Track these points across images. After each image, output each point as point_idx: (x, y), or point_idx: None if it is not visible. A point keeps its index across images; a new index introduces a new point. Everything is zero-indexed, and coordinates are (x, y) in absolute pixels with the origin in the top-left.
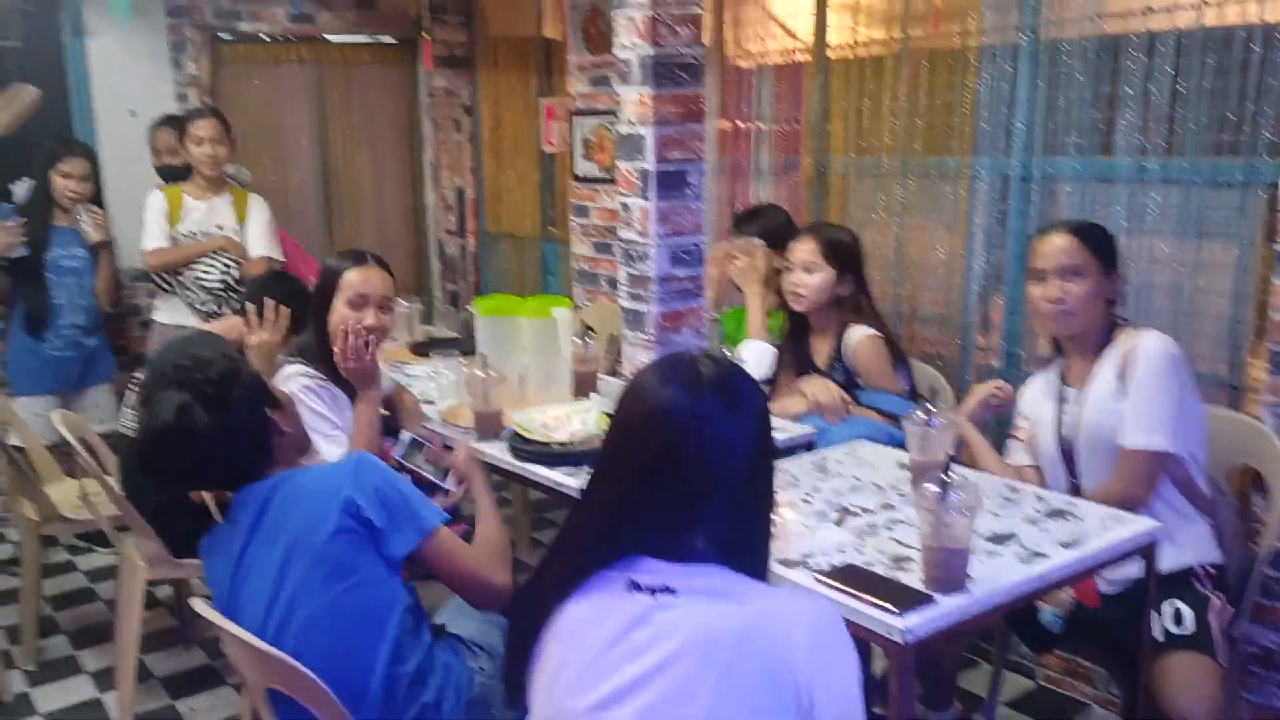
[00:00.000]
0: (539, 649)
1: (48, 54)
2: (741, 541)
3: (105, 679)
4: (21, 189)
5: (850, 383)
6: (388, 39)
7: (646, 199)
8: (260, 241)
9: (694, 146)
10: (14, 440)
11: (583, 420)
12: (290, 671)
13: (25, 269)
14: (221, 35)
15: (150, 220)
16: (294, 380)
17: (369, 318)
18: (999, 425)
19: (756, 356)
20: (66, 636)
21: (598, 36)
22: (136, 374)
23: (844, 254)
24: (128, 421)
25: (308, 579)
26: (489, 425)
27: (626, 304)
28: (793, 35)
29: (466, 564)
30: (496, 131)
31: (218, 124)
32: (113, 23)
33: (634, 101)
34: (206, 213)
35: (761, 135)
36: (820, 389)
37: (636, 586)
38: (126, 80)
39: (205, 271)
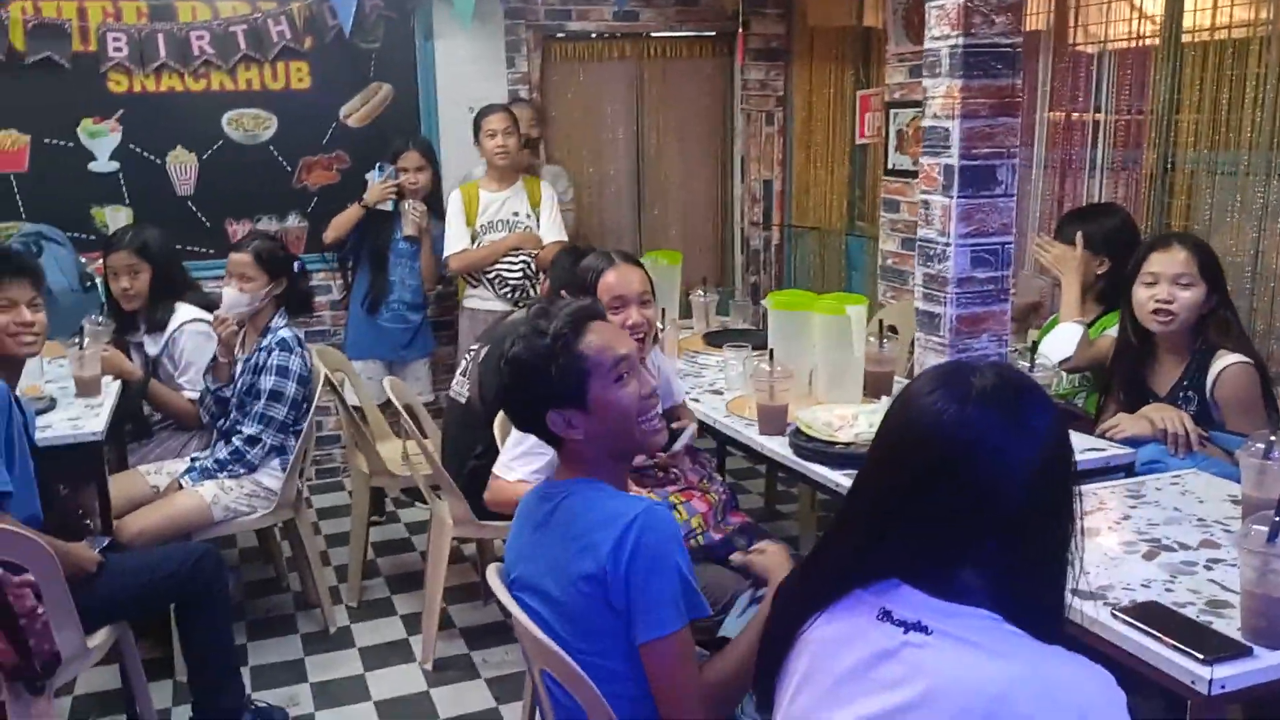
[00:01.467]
0: (786, 658)
1: (402, 55)
2: (1021, 585)
3: (413, 623)
4: (376, 176)
5: (1202, 414)
6: (705, 33)
7: (948, 196)
8: (553, 228)
9: (1005, 141)
10: (353, 400)
11: (870, 422)
12: (555, 659)
13: (374, 250)
14: (552, 34)
15: (451, 221)
16: None
17: (632, 315)
18: None
19: (1062, 338)
20: (385, 580)
21: (920, 25)
22: (470, 346)
23: (1216, 268)
24: (458, 389)
25: (554, 606)
26: (773, 420)
27: (921, 305)
28: (1144, 16)
29: (684, 686)
30: (808, 124)
31: (507, 116)
32: (457, 25)
33: (941, 94)
34: (502, 204)
35: (1098, 127)
36: (1173, 417)
37: (888, 616)
38: (466, 78)
39: (506, 268)
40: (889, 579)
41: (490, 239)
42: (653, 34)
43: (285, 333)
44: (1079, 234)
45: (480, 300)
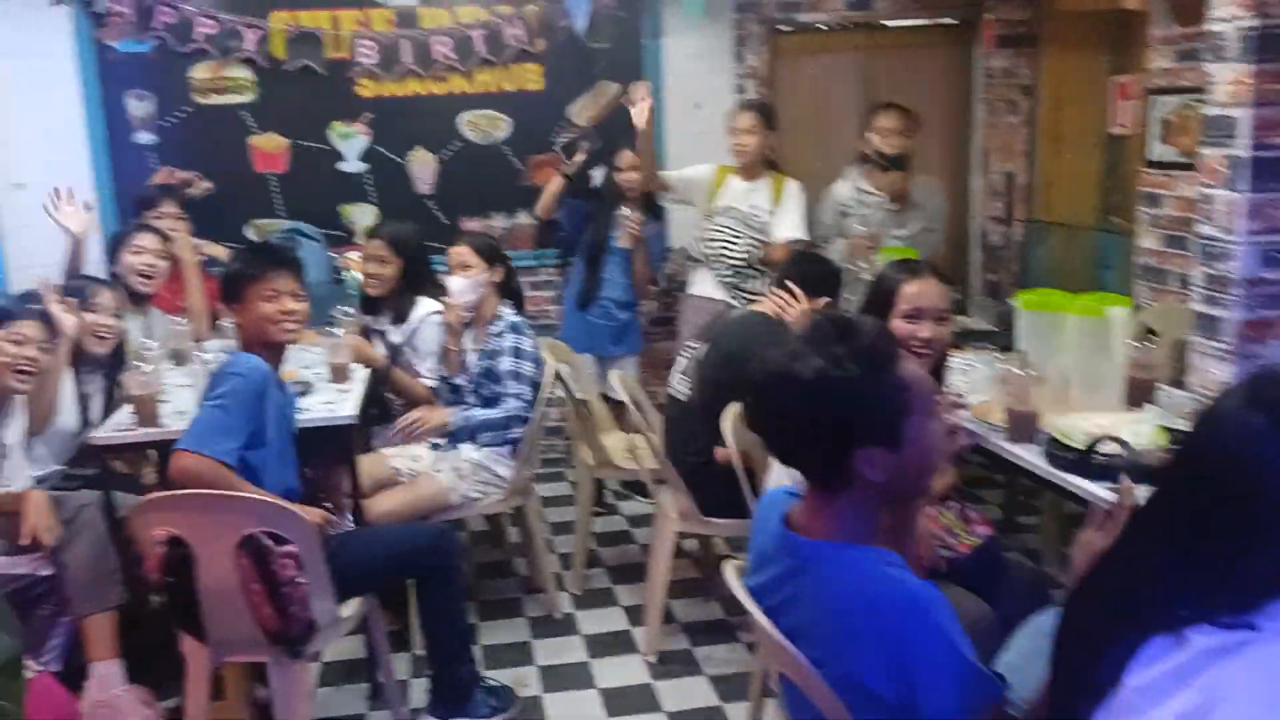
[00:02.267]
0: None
1: (629, 53)
2: None
3: (635, 614)
4: (598, 176)
5: None
6: (944, 21)
7: (1235, 190)
8: (786, 224)
9: None
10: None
11: (1134, 432)
12: (799, 668)
13: (590, 246)
14: (781, 27)
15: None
16: None
17: (924, 329)
18: None
19: None
20: (606, 570)
21: (1189, 6)
22: (689, 344)
23: None
24: (677, 385)
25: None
26: (1023, 426)
27: (1200, 307)
28: None
29: None
30: (1056, 113)
31: (753, 116)
32: (686, 22)
33: (1227, 80)
34: (745, 192)
35: None
36: None
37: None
38: (692, 75)
39: (729, 244)
40: (1191, 621)
41: (721, 222)
42: (886, 23)
43: (514, 318)
44: None
45: (700, 286)
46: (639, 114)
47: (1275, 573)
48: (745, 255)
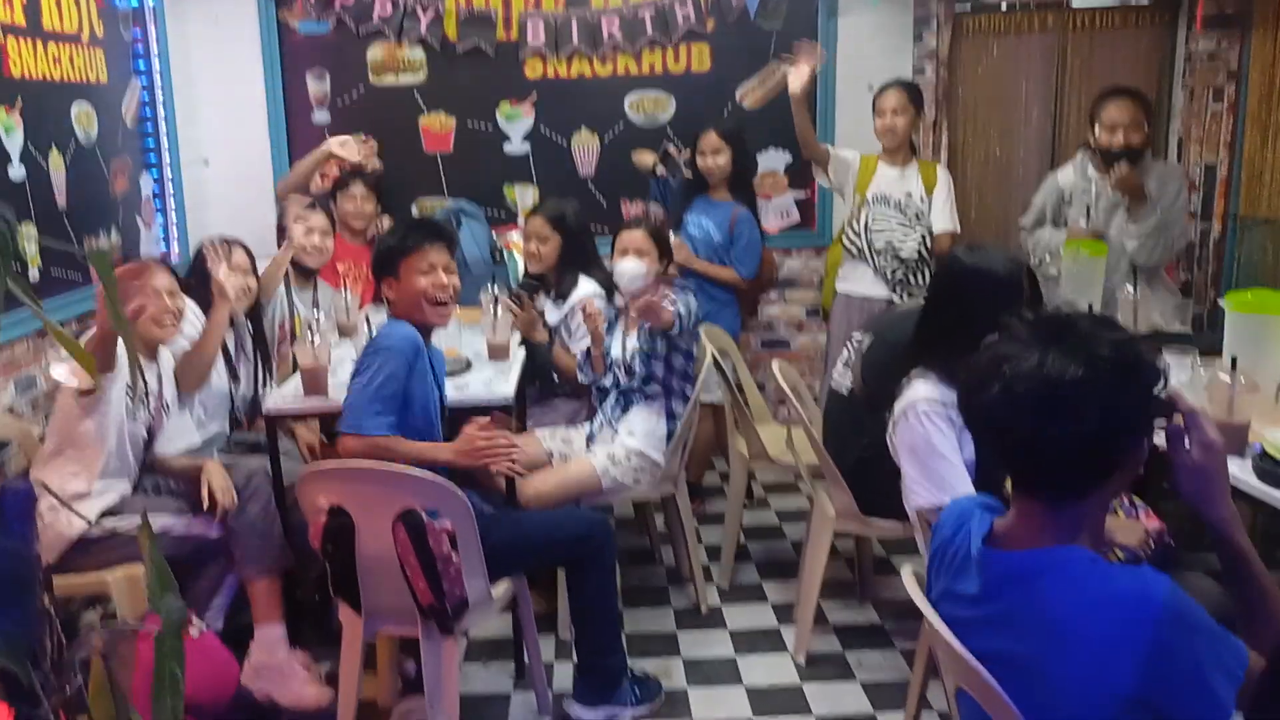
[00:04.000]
0: None
1: (802, 34)
2: None
3: (784, 612)
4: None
5: None
6: (1138, 2)
7: None
8: (943, 215)
9: None
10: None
11: None
12: (982, 687)
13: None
14: (962, 7)
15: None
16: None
17: None
18: None
19: None
20: (755, 565)
21: None
22: (855, 336)
23: None
24: (839, 379)
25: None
26: (1231, 438)
27: None
28: None
29: None
30: (1268, 101)
31: (901, 95)
32: (864, 2)
33: None
34: (897, 180)
35: None
36: None
37: None
38: (868, 57)
39: (901, 240)
40: None
41: (880, 212)
42: (1078, 4)
43: (680, 306)
44: None
45: (854, 283)
46: (796, 77)
47: None
48: (917, 251)
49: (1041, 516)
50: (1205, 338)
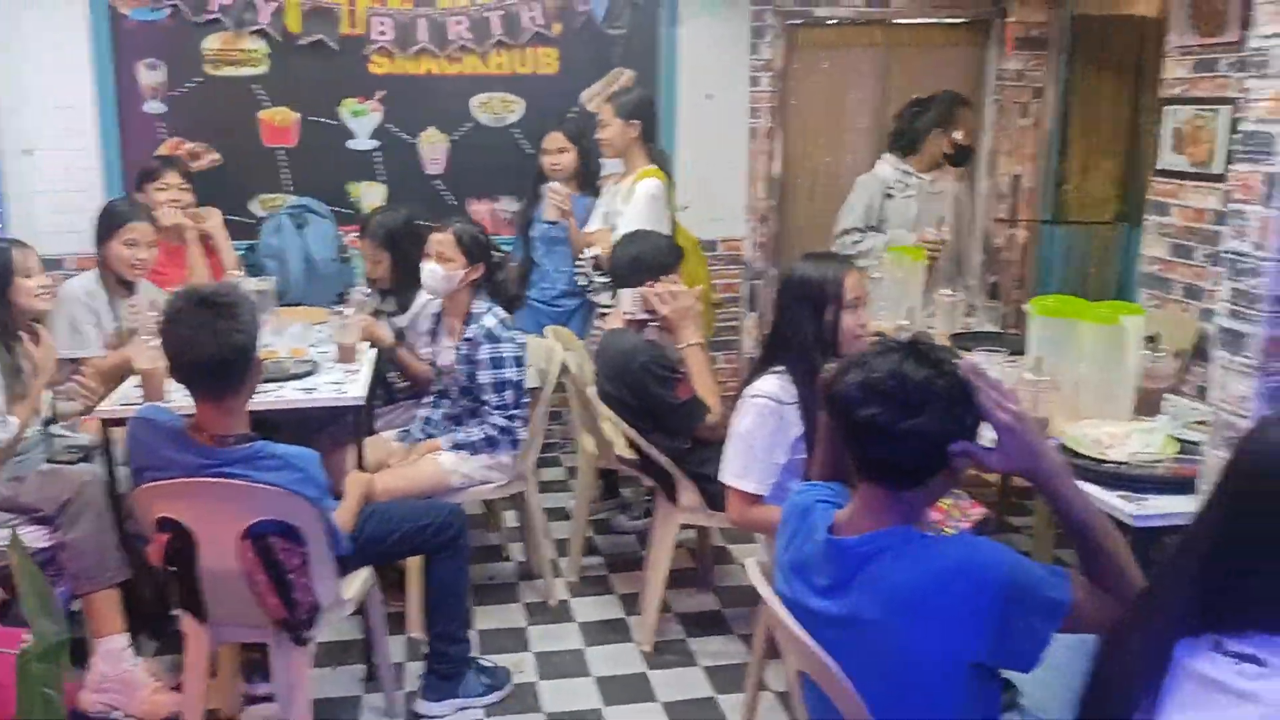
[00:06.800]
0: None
1: (645, 40)
2: None
3: (630, 603)
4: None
5: None
6: (958, 20)
7: (1269, 207)
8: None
9: None
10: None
11: (1145, 441)
12: (824, 672)
13: (521, 229)
14: (798, 20)
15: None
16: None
17: (864, 318)
18: None
19: None
20: (603, 559)
21: (1211, 16)
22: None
23: None
24: None
25: (862, 670)
26: None
27: (1226, 322)
28: None
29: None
30: (1069, 117)
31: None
32: (703, 11)
33: (1269, 97)
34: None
35: None
36: None
37: (1219, 647)
38: (707, 66)
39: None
40: (1239, 627)
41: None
42: (902, 21)
43: (489, 320)
44: None
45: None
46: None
47: None
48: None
49: (883, 501)
50: (1012, 339)
